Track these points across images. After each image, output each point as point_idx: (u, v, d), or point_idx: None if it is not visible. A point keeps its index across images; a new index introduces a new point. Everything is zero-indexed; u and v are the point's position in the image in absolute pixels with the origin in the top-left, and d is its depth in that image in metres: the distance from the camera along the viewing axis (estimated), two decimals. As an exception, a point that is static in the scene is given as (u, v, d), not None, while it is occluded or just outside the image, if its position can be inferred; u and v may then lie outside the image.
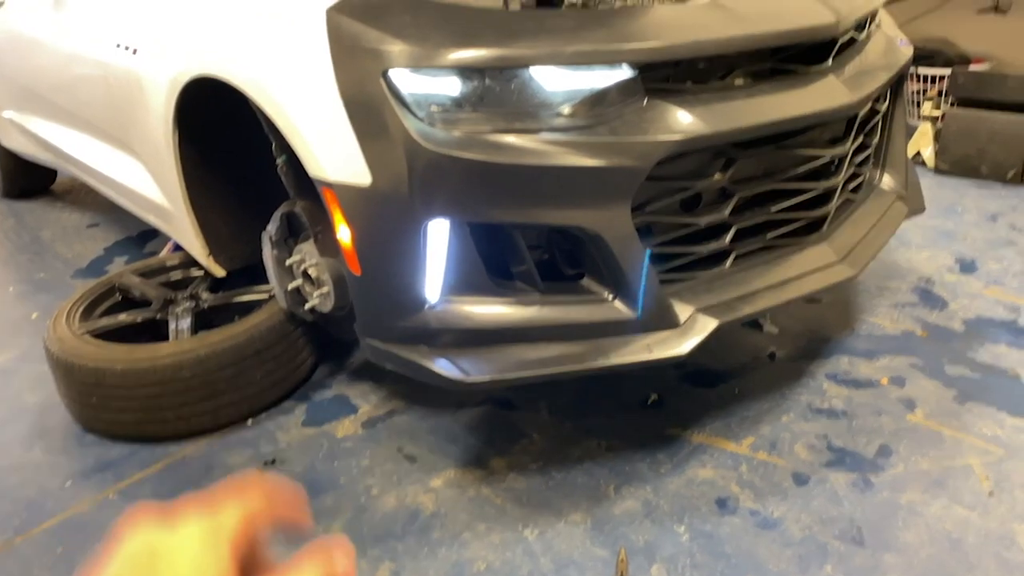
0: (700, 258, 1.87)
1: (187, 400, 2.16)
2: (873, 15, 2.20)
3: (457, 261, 1.68)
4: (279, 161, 1.91)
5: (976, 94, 3.55)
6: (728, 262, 1.89)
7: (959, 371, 2.33)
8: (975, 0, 3.99)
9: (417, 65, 1.58)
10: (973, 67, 3.82)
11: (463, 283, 1.71)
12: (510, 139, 1.59)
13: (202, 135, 2.21)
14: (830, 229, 2.08)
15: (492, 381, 1.71)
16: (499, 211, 1.63)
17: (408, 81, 1.59)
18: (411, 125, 1.58)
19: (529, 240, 1.74)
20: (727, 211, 1.83)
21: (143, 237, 3.52)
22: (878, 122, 2.23)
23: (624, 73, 1.65)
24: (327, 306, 2.07)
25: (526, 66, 1.60)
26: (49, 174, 4.18)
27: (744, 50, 1.76)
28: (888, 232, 2.20)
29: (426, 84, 1.60)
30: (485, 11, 1.72)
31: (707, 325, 1.77)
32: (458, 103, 1.61)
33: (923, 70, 3.91)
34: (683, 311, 1.78)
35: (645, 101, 1.67)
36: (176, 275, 2.67)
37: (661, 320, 1.76)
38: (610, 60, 1.63)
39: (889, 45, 2.21)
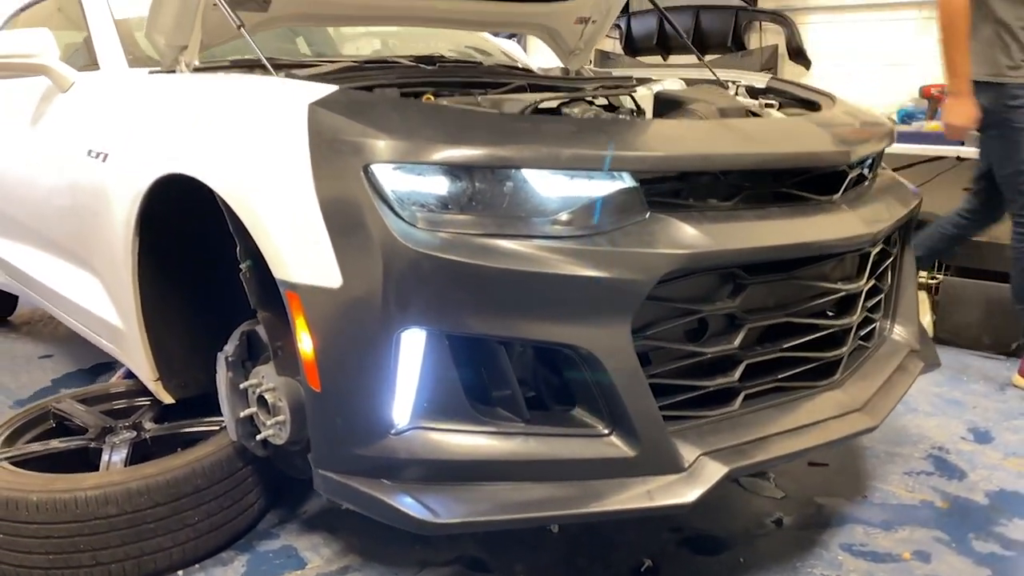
0: (706, 397, 1.67)
1: (109, 543, 1.85)
2: (880, 156, 2.13)
3: (432, 379, 1.47)
4: (243, 266, 1.74)
5: (973, 263, 3.48)
6: (737, 402, 1.69)
7: (989, 548, 2.07)
8: (962, 178, 4.01)
9: (402, 160, 1.45)
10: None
11: (437, 406, 1.49)
12: (500, 243, 1.43)
13: (164, 248, 2.05)
14: (844, 376, 1.90)
15: (465, 524, 1.46)
16: (484, 322, 1.44)
17: (391, 177, 1.45)
18: (391, 223, 1.42)
19: (515, 363, 1.54)
20: (736, 342, 1.64)
21: (96, 370, 3.27)
22: (889, 266, 2.10)
23: (625, 183, 1.52)
24: (282, 437, 1.82)
25: (519, 167, 1.47)
26: (7, 304, 3.97)
27: (753, 168, 1.65)
28: (904, 385, 2.02)
29: (410, 182, 1.46)
30: (477, 112, 1.61)
31: (715, 471, 1.54)
32: (444, 203, 1.47)
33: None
34: (689, 453, 1.56)
35: (648, 215, 1.53)
36: (121, 403, 2.41)
37: (663, 462, 1.53)
38: (610, 167, 1.50)
39: (900, 188, 2.12)
